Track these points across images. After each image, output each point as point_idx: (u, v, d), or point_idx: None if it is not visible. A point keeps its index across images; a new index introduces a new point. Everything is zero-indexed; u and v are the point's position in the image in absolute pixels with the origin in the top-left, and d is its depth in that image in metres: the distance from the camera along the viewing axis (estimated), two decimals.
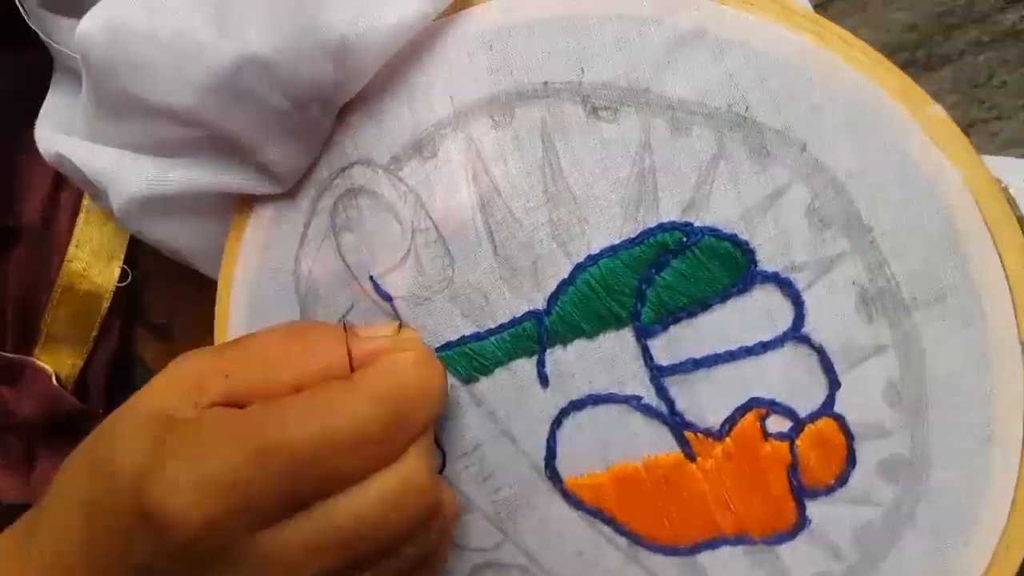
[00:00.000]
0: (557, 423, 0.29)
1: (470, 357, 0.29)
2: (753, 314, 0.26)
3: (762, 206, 0.26)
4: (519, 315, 0.28)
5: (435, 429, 0.30)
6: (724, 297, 0.26)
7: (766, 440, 0.27)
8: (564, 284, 0.28)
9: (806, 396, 0.27)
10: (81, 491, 0.25)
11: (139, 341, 0.42)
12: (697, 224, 0.26)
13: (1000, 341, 0.24)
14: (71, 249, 0.38)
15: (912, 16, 0.40)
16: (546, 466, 0.29)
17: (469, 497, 0.31)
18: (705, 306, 0.27)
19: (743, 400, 0.27)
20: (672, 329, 0.27)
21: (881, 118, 0.24)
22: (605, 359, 0.28)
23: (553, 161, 0.27)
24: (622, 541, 0.29)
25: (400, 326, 0.28)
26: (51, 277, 0.38)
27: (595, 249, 0.27)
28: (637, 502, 0.29)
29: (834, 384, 0.26)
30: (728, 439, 0.27)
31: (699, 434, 0.28)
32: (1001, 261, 0.24)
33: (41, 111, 0.34)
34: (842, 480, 0.27)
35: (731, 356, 0.27)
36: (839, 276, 0.25)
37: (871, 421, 0.26)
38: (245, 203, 0.31)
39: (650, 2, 0.26)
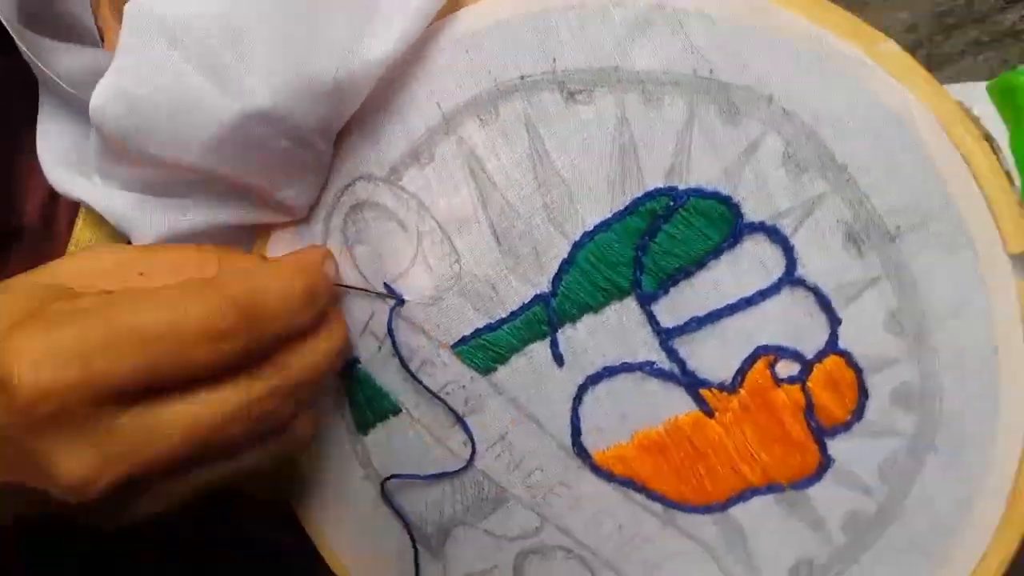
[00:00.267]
0: (578, 400, 0.30)
1: (486, 348, 0.31)
2: (747, 265, 0.27)
3: (740, 161, 0.27)
4: (527, 300, 0.30)
5: (462, 423, 0.31)
6: (717, 253, 0.28)
7: (778, 386, 0.28)
8: (565, 264, 0.29)
9: (810, 337, 0.27)
10: None
11: None
12: (681, 187, 0.27)
13: (988, 258, 0.25)
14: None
15: (912, 16, 0.41)
16: (573, 444, 0.31)
17: (503, 485, 0.32)
18: (700, 264, 0.28)
19: (750, 350, 0.28)
20: (672, 292, 0.28)
21: (837, 60, 0.26)
22: (614, 330, 0.29)
23: (539, 148, 0.29)
24: (657, 507, 0.30)
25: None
26: None
27: (589, 226, 0.29)
28: (665, 466, 0.30)
29: (834, 321, 0.27)
30: (742, 390, 0.28)
31: (713, 389, 0.29)
32: (976, 181, 0.25)
33: (38, 134, 0.36)
34: (858, 414, 0.27)
35: (732, 309, 0.28)
36: (823, 217, 0.26)
37: (877, 352, 0.27)
38: (263, 230, 0.33)
39: None
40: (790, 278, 0.27)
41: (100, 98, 0.28)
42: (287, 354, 0.27)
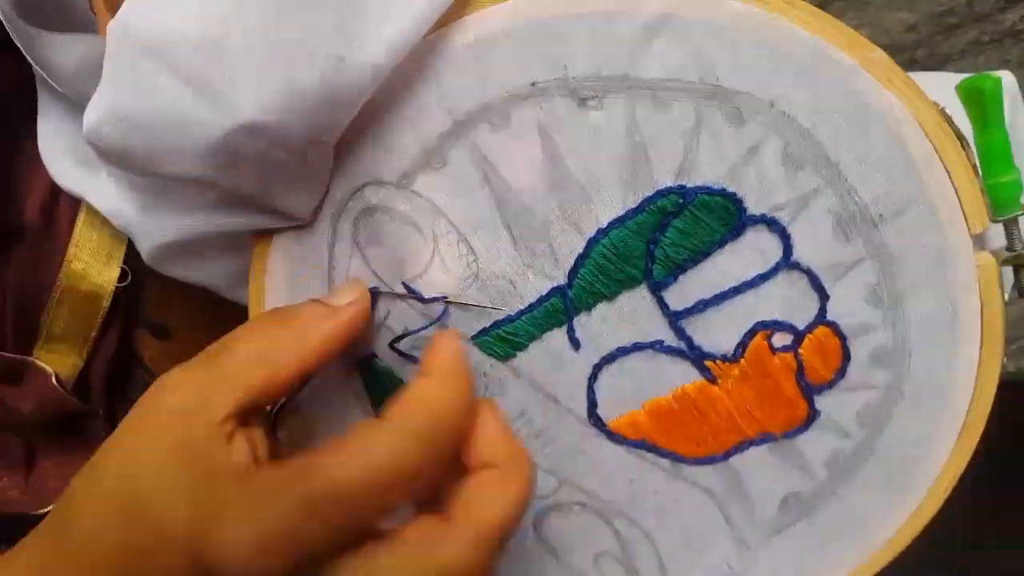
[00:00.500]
0: (593, 378, 0.33)
1: (505, 339, 0.33)
2: (748, 253, 0.30)
3: (743, 160, 0.29)
4: (544, 293, 0.32)
5: None
6: (722, 243, 0.30)
7: (774, 354, 0.32)
8: (581, 258, 0.31)
9: (802, 312, 0.31)
10: (115, 534, 0.25)
11: (138, 341, 0.42)
12: (690, 185, 0.30)
13: (954, 238, 0.29)
14: (71, 249, 0.38)
15: (912, 16, 0.41)
16: (589, 416, 0.33)
17: None
18: (706, 254, 0.31)
19: (750, 325, 0.31)
20: (681, 279, 0.31)
21: (831, 67, 0.28)
22: (627, 316, 0.32)
23: (553, 152, 0.30)
24: (665, 462, 0.34)
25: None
26: (51, 277, 0.38)
27: (604, 223, 0.31)
28: (673, 428, 0.33)
29: (824, 297, 0.31)
30: (743, 360, 0.32)
31: (717, 360, 0.32)
32: (948, 174, 0.28)
33: (39, 129, 0.34)
34: (841, 373, 0.32)
35: (735, 291, 0.31)
36: (816, 208, 0.30)
37: (858, 321, 0.31)
38: (264, 234, 0.33)
39: None
40: (787, 263, 0.30)
41: (92, 118, 0.27)
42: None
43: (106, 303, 0.40)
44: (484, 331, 0.33)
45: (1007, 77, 0.32)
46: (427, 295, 0.32)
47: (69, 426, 0.42)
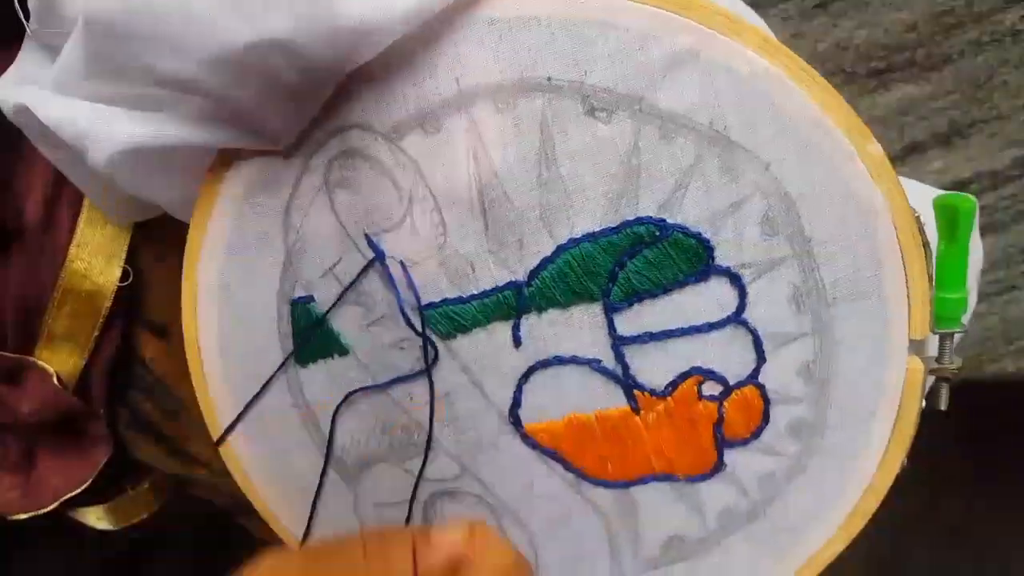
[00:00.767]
0: (524, 378, 0.33)
1: (451, 318, 0.32)
2: (705, 300, 0.31)
3: (726, 212, 0.30)
4: (500, 284, 0.32)
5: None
6: (683, 284, 0.31)
7: (700, 400, 0.33)
8: (546, 261, 0.31)
9: (737, 368, 0.32)
10: None
11: (139, 340, 0.41)
12: (670, 221, 0.30)
13: (894, 339, 0.30)
14: (72, 249, 0.38)
15: (912, 16, 0.41)
16: (510, 413, 0.34)
17: (435, 436, 0.34)
18: (666, 290, 0.31)
19: (686, 368, 0.32)
20: (636, 307, 0.31)
21: (832, 149, 0.29)
22: (574, 328, 0.32)
23: (549, 151, 0.30)
24: (569, 476, 0.34)
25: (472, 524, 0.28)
26: (52, 277, 0.38)
27: (578, 233, 0.31)
28: (587, 446, 0.34)
29: (761, 360, 0.32)
30: (670, 398, 0.33)
31: (646, 392, 0.33)
32: (906, 277, 0.30)
33: (5, 74, 0.33)
34: (756, 435, 0.33)
35: (682, 332, 0.32)
36: (779, 275, 0.30)
37: (786, 391, 0.32)
38: (226, 152, 0.32)
39: (653, 19, 0.28)
40: (737, 318, 0.31)
41: None
42: None
43: (107, 302, 0.39)
44: (432, 304, 0.32)
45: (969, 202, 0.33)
46: (389, 253, 0.32)
47: (69, 426, 0.42)
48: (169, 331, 0.41)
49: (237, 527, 0.44)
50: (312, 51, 0.27)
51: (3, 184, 0.37)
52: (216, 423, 0.36)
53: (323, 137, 0.31)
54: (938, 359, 0.32)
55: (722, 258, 0.30)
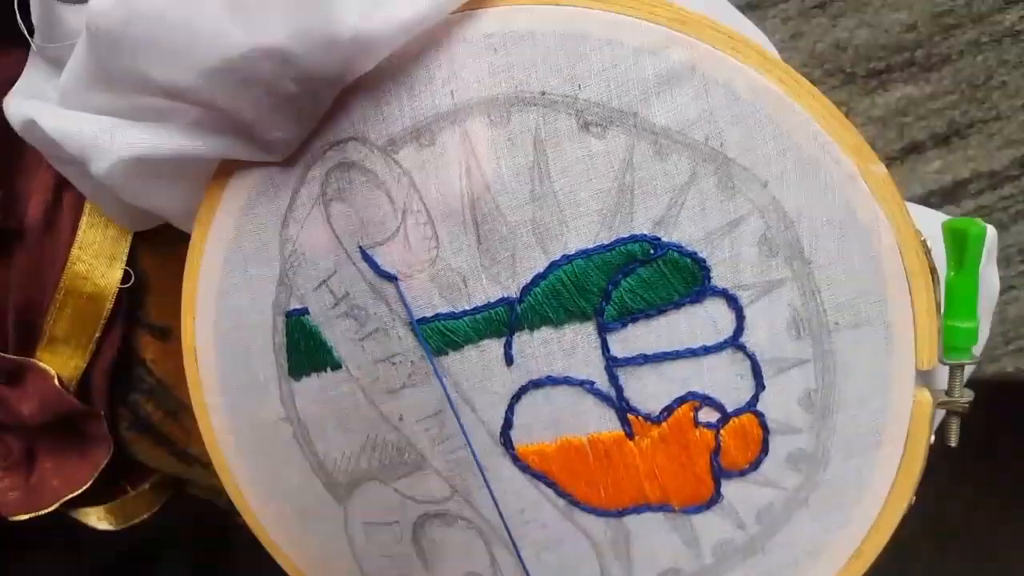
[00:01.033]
0: (516, 398, 0.32)
1: (443, 333, 0.32)
2: (701, 322, 0.30)
3: (722, 231, 0.29)
4: (493, 300, 0.31)
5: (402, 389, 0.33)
6: (678, 305, 0.30)
7: (696, 427, 0.31)
8: (539, 277, 0.31)
9: (735, 394, 0.31)
10: None
11: (140, 342, 0.42)
12: (664, 239, 0.29)
13: (900, 369, 0.29)
14: (74, 251, 0.38)
15: (912, 16, 0.40)
16: (501, 434, 0.33)
17: (425, 455, 0.34)
18: (661, 310, 0.30)
19: (682, 393, 0.31)
20: (630, 327, 0.31)
21: (833, 169, 0.28)
22: (567, 347, 0.31)
23: (543, 165, 0.30)
24: (560, 502, 0.33)
25: None
26: (54, 279, 0.38)
27: (571, 250, 0.30)
28: (579, 470, 0.33)
29: (760, 387, 0.31)
30: (664, 424, 0.32)
31: (640, 417, 0.32)
32: (911, 303, 0.28)
33: (14, 88, 0.34)
34: (755, 466, 0.31)
35: (677, 355, 0.31)
36: (778, 298, 0.29)
37: (786, 420, 0.31)
38: (228, 163, 0.32)
39: (648, 34, 0.28)
40: (735, 342, 0.30)
41: (102, 1, 0.26)
42: None
43: (109, 304, 0.40)
44: (424, 319, 0.32)
45: (990, 230, 0.32)
46: (383, 266, 0.32)
47: (70, 427, 0.42)
48: (170, 333, 0.41)
49: (237, 527, 0.43)
50: (309, 61, 0.27)
51: (5, 186, 0.37)
52: (210, 430, 0.36)
53: (320, 149, 0.31)
54: (948, 392, 0.30)
55: (719, 279, 0.30)
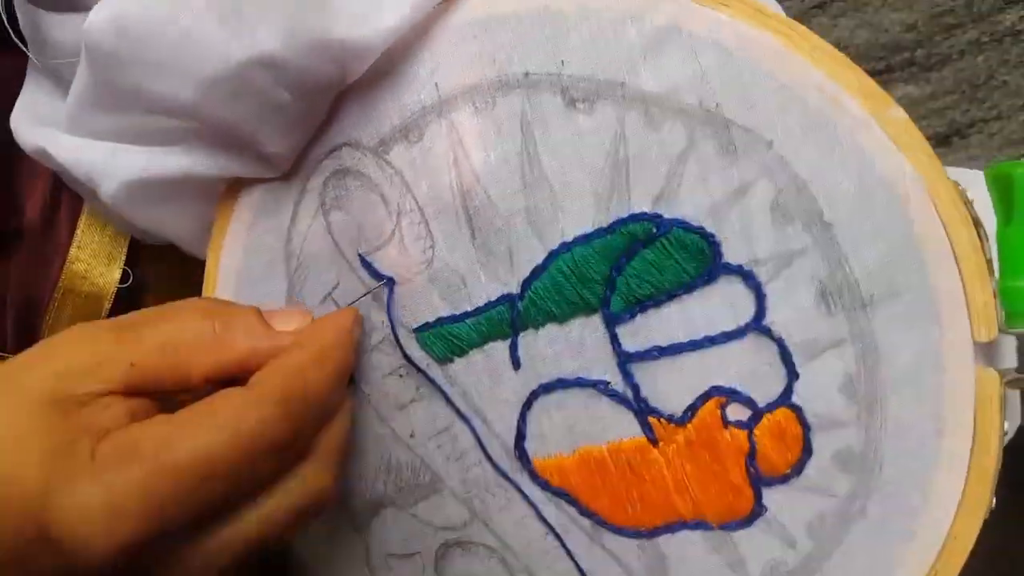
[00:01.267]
0: (527, 405, 0.30)
1: (447, 338, 0.30)
2: (717, 305, 0.27)
3: (729, 200, 0.26)
4: (494, 299, 0.29)
5: (412, 411, 0.31)
6: (690, 288, 0.27)
7: (726, 428, 0.28)
8: (538, 270, 0.29)
9: (765, 386, 0.27)
10: None
11: None
12: (667, 216, 0.27)
13: (952, 341, 0.25)
14: (73, 251, 0.38)
15: (912, 16, 0.40)
16: (516, 446, 0.30)
17: (440, 475, 0.32)
18: (672, 295, 0.28)
19: (705, 388, 0.28)
20: (639, 317, 0.28)
21: (843, 119, 0.25)
22: (575, 344, 0.29)
23: (531, 149, 0.28)
24: (586, 523, 0.30)
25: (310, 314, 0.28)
26: (52, 279, 0.38)
27: (569, 236, 0.28)
28: (601, 485, 0.30)
29: (792, 375, 0.27)
30: (690, 425, 0.28)
31: (662, 420, 0.29)
32: (957, 263, 0.25)
33: (16, 106, 0.35)
34: (798, 469, 0.28)
35: (695, 345, 0.28)
36: (800, 270, 0.26)
37: (827, 413, 0.27)
38: (233, 183, 0.32)
39: (627, 0, 0.27)
40: (757, 325, 0.27)
41: (98, 17, 0.27)
42: (328, 434, 0.26)
43: (107, 304, 0.40)
44: (427, 325, 0.30)
45: None
46: (382, 271, 0.31)
47: None
48: None
49: None
50: (301, 69, 0.28)
51: (4, 186, 0.37)
52: None
53: (317, 159, 0.31)
54: (1019, 368, 0.26)
55: (731, 254, 0.27)
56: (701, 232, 0.27)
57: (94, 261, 0.39)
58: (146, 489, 0.22)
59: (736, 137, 0.26)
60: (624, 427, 0.29)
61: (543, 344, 0.29)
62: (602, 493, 0.30)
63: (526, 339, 0.29)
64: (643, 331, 0.28)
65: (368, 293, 0.30)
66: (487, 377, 0.30)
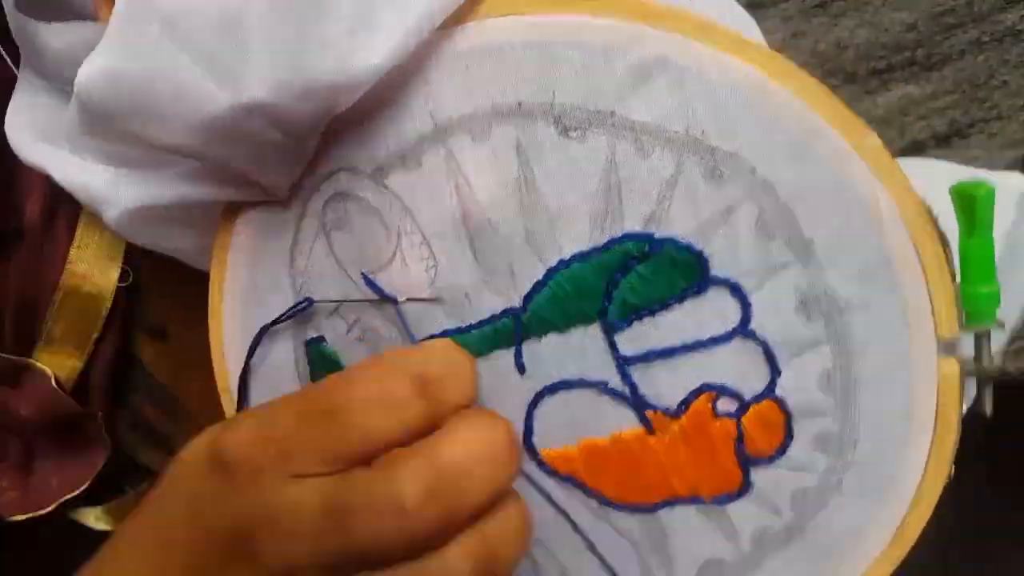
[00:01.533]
0: (534, 404, 0.32)
1: None
2: (707, 313, 0.30)
3: (716, 220, 0.28)
4: (497, 312, 0.31)
5: None
6: (681, 298, 0.30)
7: (716, 418, 0.31)
8: (538, 285, 0.31)
9: (751, 382, 0.30)
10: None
11: (137, 343, 0.42)
12: (658, 235, 0.29)
13: (920, 340, 0.28)
14: (73, 251, 0.38)
15: (912, 16, 0.40)
16: (524, 441, 0.33)
17: None
18: (665, 305, 0.30)
19: (697, 385, 0.31)
20: (635, 325, 0.30)
21: (823, 146, 0.27)
22: (576, 350, 0.31)
23: (528, 175, 0.29)
24: (592, 503, 0.33)
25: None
26: (52, 279, 0.39)
27: (566, 255, 0.30)
28: (605, 470, 0.33)
29: (775, 372, 0.30)
30: (683, 417, 0.31)
31: (658, 412, 0.31)
32: (924, 274, 0.27)
33: (10, 108, 0.35)
34: (781, 451, 0.31)
35: (687, 349, 0.30)
36: (782, 282, 0.29)
37: (807, 403, 0.30)
38: (232, 205, 0.33)
39: (613, 33, 0.27)
40: (743, 330, 0.30)
41: (88, 72, 0.27)
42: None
43: (107, 305, 0.40)
44: (433, 337, 0.32)
45: (1016, 178, 0.30)
46: (385, 292, 0.32)
47: (68, 428, 0.43)
48: (168, 333, 0.41)
49: None
50: (290, 110, 0.28)
51: (3, 186, 0.37)
52: None
53: (315, 182, 0.32)
54: (976, 359, 0.29)
55: (719, 268, 0.29)
56: (690, 249, 0.29)
57: (94, 261, 0.39)
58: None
59: (722, 162, 0.28)
60: (624, 420, 0.32)
61: (546, 351, 0.32)
62: (606, 477, 0.33)
63: (530, 347, 0.32)
64: (639, 337, 0.31)
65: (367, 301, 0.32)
66: (495, 381, 0.32)
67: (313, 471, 0.26)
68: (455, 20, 0.29)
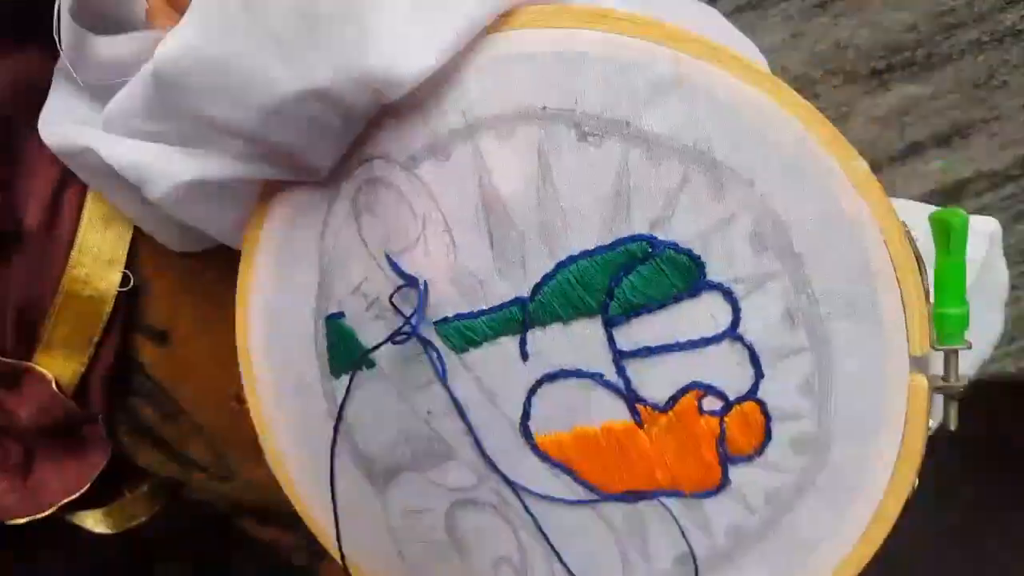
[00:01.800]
0: (533, 391, 0.35)
1: (463, 332, 0.35)
2: (700, 315, 0.32)
3: (714, 229, 0.31)
4: (507, 300, 0.34)
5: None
6: (677, 299, 0.32)
7: (701, 415, 0.33)
8: (547, 277, 0.33)
9: (736, 383, 0.33)
10: None
11: (138, 347, 0.42)
12: (661, 238, 0.32)
13: (894, 355, 0.30)
14: (74, 255, 0.38)
15: (912, 16, 0.41)
16: (521, 424, 0.35)
17: (453, 446, 0.37)
18: (662, 305, 0.32)
19: (686, 382, 0.33)
20: (633, 321, 0.33)
21: (815, 166, 0.30)
22: (576, 341, 0.34)
23: (546, 174, 0.32)
24: (580, 489, 0.36)
25: None
26: (53, 283, 0.38)
27: (575, 251, 0.33)
28: (594, 458, 0.35)
29: (759, 375, 0.32)
30: (671, 412, 0.34)
31: (648, 406, 0.34)
32: (900, 292, 0.30)
33: (44, 110, 0.36)
34: (760, 451, 0.33)
35: (679, 347, 0.33)
36: (771, 290, 0.31)
37: (786, 406, 0.32)
38: (271, 183, 0.36)
39: (635, 50, 0.30)
40: (732, 333, 0.32)
41: (168, 49, 0.30)
42: None
43: (108, 308, 0.40)
44: (446, 319, 0.35)
45: (990, 225, 0.33)
46: (406, 272, 0.35)
47: (68, 431, 0.43)
48: (168, 337, 0.41)
49: (237, 529, 0.45)
50: (348, 97, 0.31)
51: (4, 189, 0.37)
52: (264, 425, 0.39)
53: (351, 167, 0.35)
54: (944, 377, 0.31)
55: (714, 273, 0.32)
56: (689, 254, 0.32)
57: (95, 265, 0.40)
58: None
59: (724, 176, 0.30)
60: (615, 412, 0.34)
61: (549, 340, 0.34)
62: (594, 465, 0.35)
63: (534, 335, 0.34)
64: (636, 333, 0.33)
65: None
66: (499, 366, 0.35)
67: None
68: (494, 28, 0.32)
